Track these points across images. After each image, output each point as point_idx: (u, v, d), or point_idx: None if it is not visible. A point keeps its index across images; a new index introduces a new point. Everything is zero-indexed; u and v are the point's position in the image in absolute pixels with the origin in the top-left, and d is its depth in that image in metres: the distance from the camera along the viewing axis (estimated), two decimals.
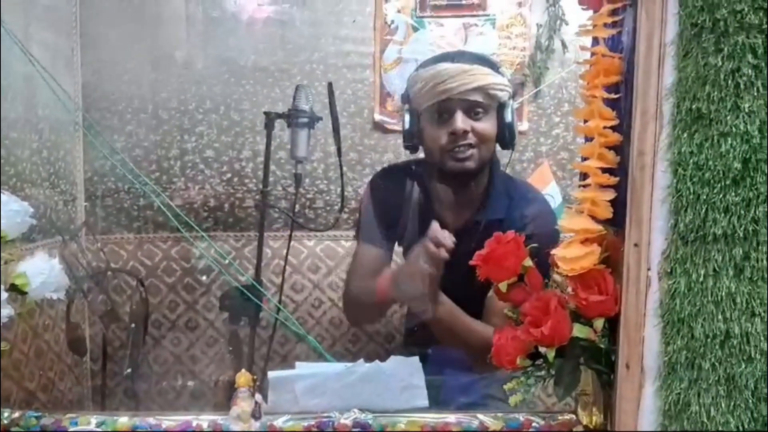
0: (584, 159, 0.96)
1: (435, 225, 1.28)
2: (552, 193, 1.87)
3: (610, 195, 0.91)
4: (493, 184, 1.41)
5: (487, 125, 1.36)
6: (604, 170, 0.92)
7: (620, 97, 0.92)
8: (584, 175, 0.97)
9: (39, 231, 1.60)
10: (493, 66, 1.40)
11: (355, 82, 1.93)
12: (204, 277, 1.93)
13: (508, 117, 1.37)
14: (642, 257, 0.84)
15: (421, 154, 1.46)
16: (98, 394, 1.72)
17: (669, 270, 0.82)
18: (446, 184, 1.41)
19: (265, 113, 1.59)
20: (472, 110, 1.34)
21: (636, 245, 0.84)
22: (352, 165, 1.93)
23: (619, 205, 0.90)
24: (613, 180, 0.91)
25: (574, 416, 1.04)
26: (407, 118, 1.40)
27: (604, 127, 0.91)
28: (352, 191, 1.91)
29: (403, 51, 1.92)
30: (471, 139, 1.34)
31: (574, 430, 0.99)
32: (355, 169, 1.94)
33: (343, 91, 1.91)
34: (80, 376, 1.82)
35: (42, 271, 0.92)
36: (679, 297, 0.81)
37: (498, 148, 1.42)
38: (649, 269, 0.84)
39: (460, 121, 1.33)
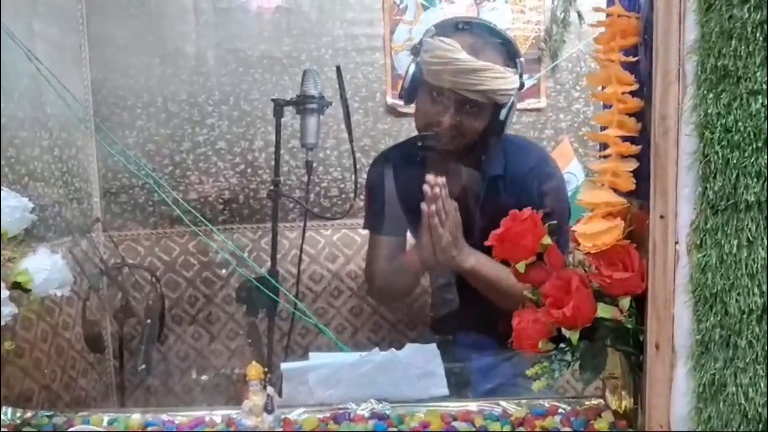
0: (603, 128, 0.90)
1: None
2: (574, 170, 1.81)
3: (632, 165, 0.86)
4: (486, 144, 1.39)
5: (477, 122, 1.35)
6: (625, 139, 0.86)
7: (638, 59, 0.86)
8: (603, 146, 0.92)
9: (54, 230, 1.59)
10: (512, 55, 1.36)
11: (366, 65, 1.88)
12: (222, 271, 1.91)
13: (502, 115, 1.35)
14: (669, 230, 0.78)
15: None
16: (119, 391, 1.71)
17: (699, 242, 0.76)
18: (437, 156, 1.40)
19: (273, 100, 1.56)
20: (468, 104, 1.33)
21: (662, 217, 0.79)
22: (366, 151, 1.89)
23: (642, 175, 0.85)
24: (635, 149, 0.86)
25: (602, 401, 1.00)
26: (411, 71, 1.38)
27: (623, 93, 0.85)
28: None
29: (413, 31, 1.87)
30: (455, 131, 1.34)
31: (603, 415, 0.94)
32: (369, 155, 1.89)
33: (354, 75, 1.87)
34: (102, 374, 1.82)
35: (44, 267, 0.90)
36: (710, 271, 0.75)
37: None
38: (677, 242, 0.78)
39: (452, 116, 1.32)
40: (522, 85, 1.38)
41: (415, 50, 1.40)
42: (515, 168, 1.38)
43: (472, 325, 1.44)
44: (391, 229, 1.50)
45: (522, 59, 1.40)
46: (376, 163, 1.59)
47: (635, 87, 0.85)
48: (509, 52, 1.36)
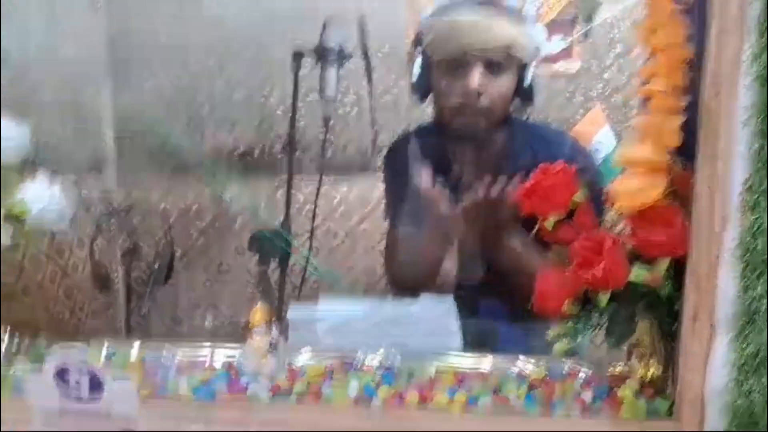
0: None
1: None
2: (605, 138, 1.74)
3: (678, 120, 0.79)
4: (513, 135, 1.32)
5: (504, 83, 1.27)
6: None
7: (692, 4, 0.79)
8: (646, 101, 0.85)
9: (63, 166, 1.56)
10: (521, 18, 1.28)
11: (390, 19, 1.80)
12: (237, 219, 1.87)
13: (527, 80, 1.28)
14: (718, 189, 0.72)
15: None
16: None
17: (752, 204, 0.70)
18: (460, 143, 1.33)
19: (292, 51, 1.50)
20: (491, 67, 1.25)
21: (709, 185, 0.73)
22: (388, 107, 1.83)
23: (689, 132, 0.78)
24: (681, 104, 0.79)
25: (627, 367, 0.94)
26: (418, 65, 1.32)
27: (672, 41, 0.79)
28: (387, 136, 1.81)
29: None
30: (484, 100, 1.25)
31: (628, 382, 0.88)
32: (390, 111, 1.83)
33: (377, 28, 1.79)
34: (113, 314, 1.80)
35: (41, 197, 0.85)
36: (762, 235, 0.69)
37: None
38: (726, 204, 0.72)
39: (477, 79, 1.23)
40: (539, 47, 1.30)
41: (418, 40, 1.34)
42: (545, 160, 1.30)
43: (496, 294, 1.39)
44: (412, 220, 1.40)
45: (537, 25, 1.33)
46: (394, 151, 1.51)
47: (688, 33, 0.78)
48: (519, 21, 1.28)
